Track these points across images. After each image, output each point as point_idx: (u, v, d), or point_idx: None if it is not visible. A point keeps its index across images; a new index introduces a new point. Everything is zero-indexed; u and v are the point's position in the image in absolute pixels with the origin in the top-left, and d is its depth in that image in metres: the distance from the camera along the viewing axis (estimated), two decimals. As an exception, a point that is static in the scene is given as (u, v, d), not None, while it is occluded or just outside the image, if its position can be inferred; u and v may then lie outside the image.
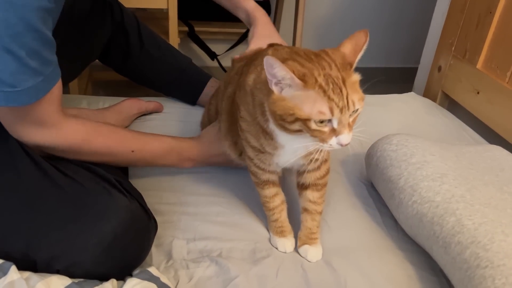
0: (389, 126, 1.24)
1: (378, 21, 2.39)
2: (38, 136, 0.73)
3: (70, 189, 0.71)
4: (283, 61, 0.62)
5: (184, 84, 1.28)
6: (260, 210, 0.93)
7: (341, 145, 0.64)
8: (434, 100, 1.48)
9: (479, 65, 1.30)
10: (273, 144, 0.73)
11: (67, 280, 0.61)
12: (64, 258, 0.66)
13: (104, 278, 0.69)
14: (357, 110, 0.64)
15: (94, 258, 0.67)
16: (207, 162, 0.99)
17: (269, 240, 0.87)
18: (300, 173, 0.83)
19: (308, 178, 0.81)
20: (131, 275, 0.67)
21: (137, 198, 0.77)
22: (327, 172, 0.83)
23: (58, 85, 0.72)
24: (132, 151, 0.83)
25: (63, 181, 0.71)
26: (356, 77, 0.66)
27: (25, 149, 0.73)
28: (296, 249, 0.85)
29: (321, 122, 0.62)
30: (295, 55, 0.66)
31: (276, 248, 0.84)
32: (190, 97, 1.29)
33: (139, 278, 0.64)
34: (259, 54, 0.79)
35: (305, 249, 0.83)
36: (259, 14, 1.04)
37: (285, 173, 0.94)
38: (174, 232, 0.85)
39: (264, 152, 0.76)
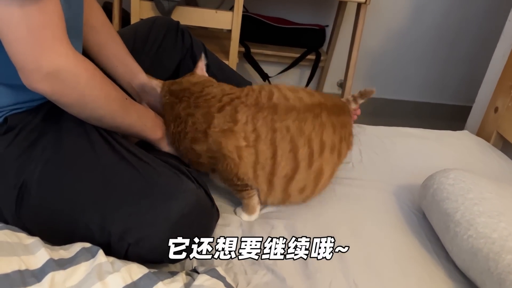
0: (443, 160, 1.26)
1: (431, 57, 2.40)
2: (52, 55, 0.67)
3: (144, 170, 0.77)
4: None
5: None
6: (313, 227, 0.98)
7: None
8: (488, 139, 1.48)
9: (538, 109, 1.30)
10: None
11: (144, 269, 0.67)
12: (135, 231, 0.72)
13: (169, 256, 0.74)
14: None
15: (161, 234, 0.72)
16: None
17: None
18: None
19: None
20: (198, 272, 0.72)
21: (203, 186, 0.84)
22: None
23: (59, 12, 0.67)
24: (126, 99, 0.85)
25: (138, 164, 0.78)
26: None
27: (104, 136, 0.81)
28: None
29: None
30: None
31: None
32: None
33: (208, 275, 0.69)
34: None
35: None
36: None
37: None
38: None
39: None
